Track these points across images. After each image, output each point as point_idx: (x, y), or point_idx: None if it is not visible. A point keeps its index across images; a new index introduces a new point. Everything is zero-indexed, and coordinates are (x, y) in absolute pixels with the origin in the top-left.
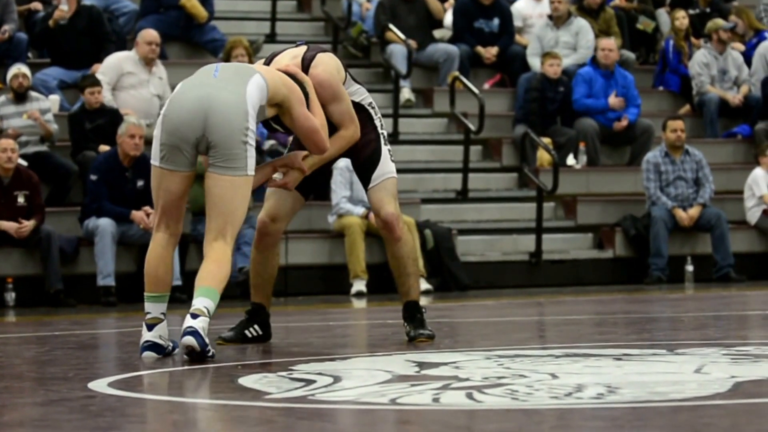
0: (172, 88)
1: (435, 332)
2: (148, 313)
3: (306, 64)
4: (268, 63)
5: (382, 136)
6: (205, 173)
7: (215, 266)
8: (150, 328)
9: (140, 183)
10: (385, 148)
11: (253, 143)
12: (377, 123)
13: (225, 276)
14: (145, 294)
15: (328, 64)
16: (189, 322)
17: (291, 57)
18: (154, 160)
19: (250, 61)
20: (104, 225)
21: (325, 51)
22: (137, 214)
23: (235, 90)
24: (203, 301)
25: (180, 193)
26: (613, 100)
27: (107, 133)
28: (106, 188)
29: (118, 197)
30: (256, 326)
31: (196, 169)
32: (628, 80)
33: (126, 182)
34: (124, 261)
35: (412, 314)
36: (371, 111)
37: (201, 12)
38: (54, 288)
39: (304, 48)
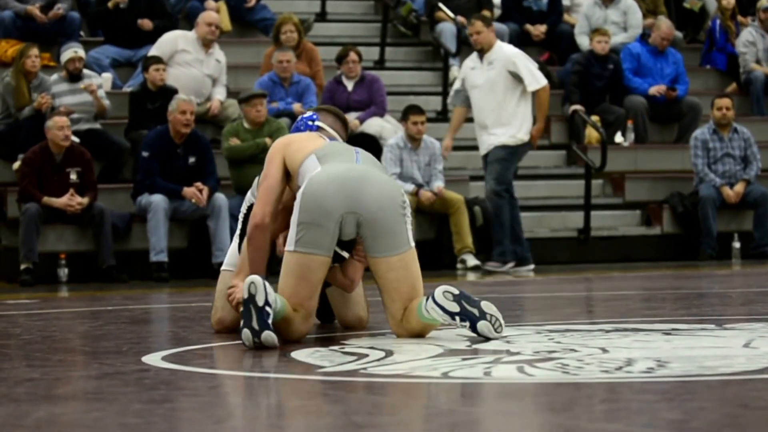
0: (229, 68)
1: None
2: None
3: None
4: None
5: None
6: (370, 259)
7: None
8: None
9: (192, 159)
10: None
11: (409, 219)
12: None
13: None
14: None
15: None
16: None
17: None
18: (289, 246)
19: (299, 39)
20: (157, 201)
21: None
22: (189, 190)
23: (384, 172)
24: None
25: (319, 282)
26: (654, 89)
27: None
28: (157, 165)
29: (169, 174)
30: None
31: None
32: (677, 58)
33: (177, 158)
34: (176, 237)
35: None
36: None
37: None
38: (106, 264)
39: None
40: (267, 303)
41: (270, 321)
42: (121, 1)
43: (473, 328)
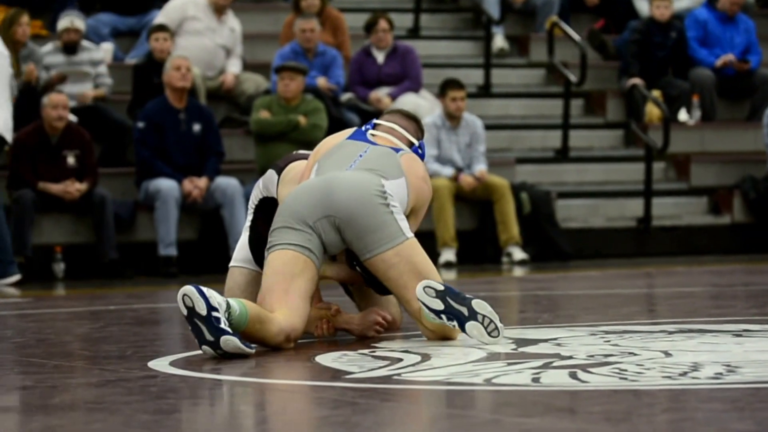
0: (245, 37)
1: (533, 305)
2: None
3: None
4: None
5: None
6: (365, 262)
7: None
8: None
9: (196, 128)
10: None
11: (400, 211)
12: None
13: None
14: None
15: None
16: None
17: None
18: (266, 253)
19: (322, 5)
20: (166, 188)
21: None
22: (186, 186)
23: (368, 173)
24: None
25: (296, 276)
26: (722, 61)
27: None
28: (156, 138)
29: (176, 145)
30: None
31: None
32: (749, 26)
33: (180, 125)
34: (186, 228)
35: None
36: None
37: None
38: (108, 258)
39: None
40: (211, 308)
41: (223, 325)
42: None
43: (462, 330)
